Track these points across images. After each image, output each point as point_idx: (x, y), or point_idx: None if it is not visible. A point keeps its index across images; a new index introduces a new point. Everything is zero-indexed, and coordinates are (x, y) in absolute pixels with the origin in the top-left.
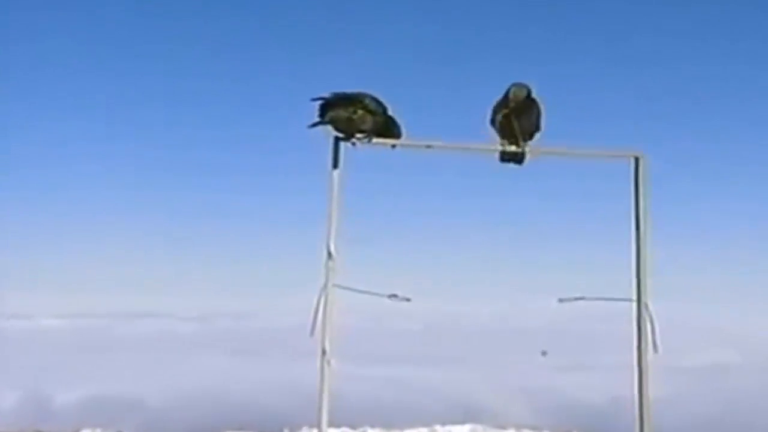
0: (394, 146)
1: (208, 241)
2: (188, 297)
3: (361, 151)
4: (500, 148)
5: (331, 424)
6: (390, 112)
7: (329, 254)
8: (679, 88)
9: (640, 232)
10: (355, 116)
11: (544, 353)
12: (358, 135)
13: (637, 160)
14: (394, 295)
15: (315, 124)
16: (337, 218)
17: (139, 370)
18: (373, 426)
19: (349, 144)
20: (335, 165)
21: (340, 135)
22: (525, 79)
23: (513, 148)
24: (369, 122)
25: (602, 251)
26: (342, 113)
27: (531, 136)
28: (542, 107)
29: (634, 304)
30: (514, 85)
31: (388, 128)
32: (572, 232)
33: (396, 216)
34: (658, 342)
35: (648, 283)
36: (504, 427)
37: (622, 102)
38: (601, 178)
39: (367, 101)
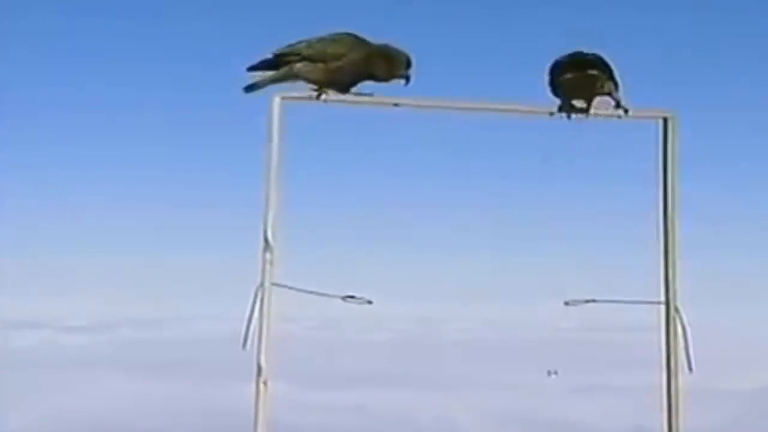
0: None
1: (104, 232)
2: (77, 302)
3: (314, 114)
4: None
5: None
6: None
7: (266, 243)
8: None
9: (669, 214)
10: (334, 63)
11: (551, 373)
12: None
13: (665, 121)
14: (352, 297)
15: (268, 81)
16: (277, 197)
17: (10, 396)
18: None
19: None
20: (271, 139)
21: (311, 91)
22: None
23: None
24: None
25: (620, 242)
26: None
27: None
28: None
29: (662, 309)
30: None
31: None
32: (581, 219)
33: (355, 196)
34: (693, 358)
35: (678, 280)
36: None
37: (646, 54)
38: (615, 151)
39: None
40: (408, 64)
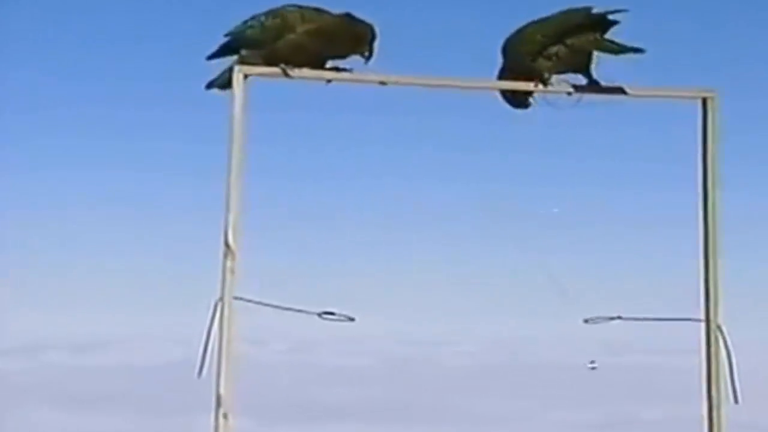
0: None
1: (29, 236)
2: None
3: (287, 97)
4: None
5: None
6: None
7: (227, 249)
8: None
9: (709, 212)
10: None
11: (593, 365)
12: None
13: (705, 102)
14: (330, 313)
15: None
16: (240, 193)
17: None
18: None
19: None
20: (233, 123)
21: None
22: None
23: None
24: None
25: (650, 248)
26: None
27: None
28: None
29: (701, 328)
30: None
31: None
32: (603, 221)
33: (335, 195)
34: (738, 386)
35: (721, 293)
36: None
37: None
38: (641, 138)
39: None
40: (372, 38)
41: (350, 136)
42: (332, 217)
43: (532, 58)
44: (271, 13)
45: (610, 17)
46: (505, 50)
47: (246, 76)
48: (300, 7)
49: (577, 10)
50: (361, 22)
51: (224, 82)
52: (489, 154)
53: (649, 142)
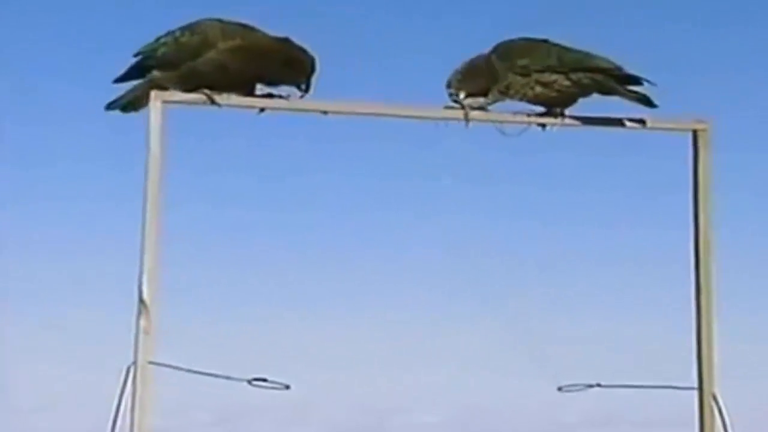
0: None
1: None
2: None
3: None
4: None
5: None
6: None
7: (141, 304)
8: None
9: (702, 258)
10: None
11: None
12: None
13: (696, 134)
14: (263, 380)
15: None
16: (157, 238)
17: None
18: None
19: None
20: (150, 157)
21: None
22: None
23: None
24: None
25: (636, 304)
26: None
27: None
28: None
29: (694, 396)
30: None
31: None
32: (584, 271)
33: (270, 238)
34: None
35: (716, 356)
36: None
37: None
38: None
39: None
40: (311, 70)
41: (289, 166)
42: (267, 265)
43: (521, 72)
44: (188, 29)
45: (641, 81)
46: (497, 49)
47: (165, 104)
48: (221, 21)
49: (607, 61)
50: (301, 49)
51: (129, 104)
52: (450, 186)
53: (636, 174)
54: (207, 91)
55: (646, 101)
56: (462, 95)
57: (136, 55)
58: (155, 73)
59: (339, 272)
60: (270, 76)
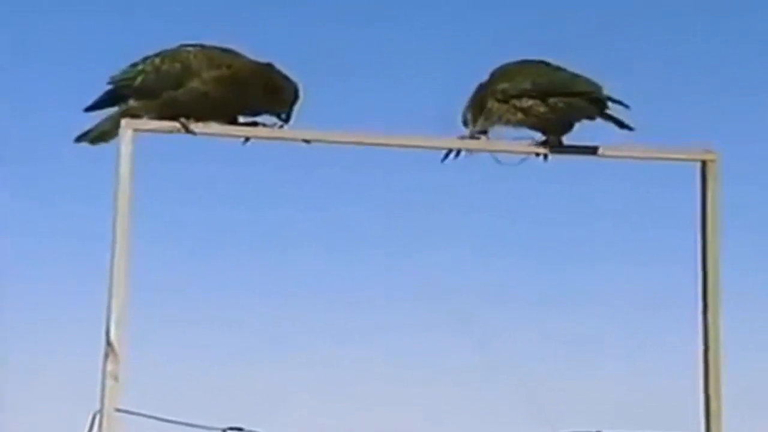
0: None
1: None
2: None
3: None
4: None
5: None
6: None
7: (109, 347)
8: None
9: (709, 300)
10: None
11: None
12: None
13: (704, 165)
14: (238, 429)
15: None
16: (126, 278)
17: None
18: None
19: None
20: (119, 189)
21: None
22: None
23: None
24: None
25: (637, 349)
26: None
27: None
28: None
29: None
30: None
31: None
32: (580, 313)
33: (247, 279)
34: None
35: (722, 404)
36: None
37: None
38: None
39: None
40: (294, 99)
41: (267, 199)
42: (244, 307)
43: (501, 97)
44: (168, 56)
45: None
46: (491, 73)
47: (137, 132)
48: (204, 47)
49: (588, 83)
50: (285, 77)
51: (100, 135)
52: (438, 221)
53: (638, 207)
54: (183, 119)
55: (622, 124)
56: (474, 126)
57: (110, 83)
58: (131, 103)
59: (318, 314)
60: (252, 105)
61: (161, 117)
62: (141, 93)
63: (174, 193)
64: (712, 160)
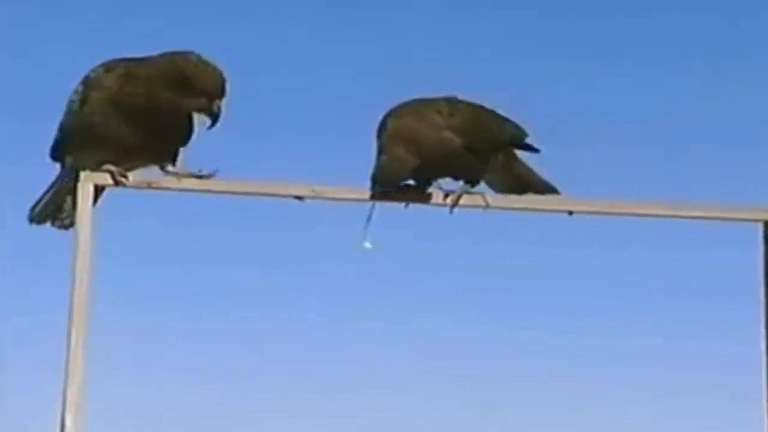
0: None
1: None
2: None
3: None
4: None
5: None
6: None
7: None
8: None
9: None
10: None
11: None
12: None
13: (767, 225)
14: None
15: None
16: (85, 354)
17: None
18: None
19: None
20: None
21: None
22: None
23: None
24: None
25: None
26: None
27: None
28: None
29: None
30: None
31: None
32: (615, 379)
33: (222, 342)
34: None
35: None
36: None
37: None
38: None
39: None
40: (216, 89)
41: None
42: (212, 386)
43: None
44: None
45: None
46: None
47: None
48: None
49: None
50: (199, 63)
51: (50, 211)
52: (436, 279)
53: (690, 272)
54: (112, 167)
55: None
56: None
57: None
58: (68, 159)
59: (296, 387)
60: (168, 105)
61: (95, 160)
62: (68, 139)
63: (139, 253)
64: None
